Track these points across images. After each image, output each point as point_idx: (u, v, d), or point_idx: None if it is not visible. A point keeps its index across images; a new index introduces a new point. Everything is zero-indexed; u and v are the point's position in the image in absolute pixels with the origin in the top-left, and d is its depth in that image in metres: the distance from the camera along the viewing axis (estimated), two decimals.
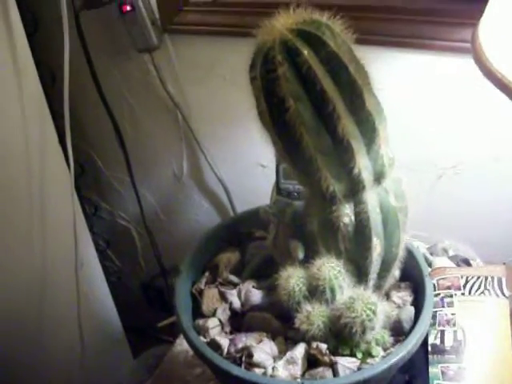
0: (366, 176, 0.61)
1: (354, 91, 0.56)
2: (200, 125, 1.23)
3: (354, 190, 0.62)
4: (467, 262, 0.96)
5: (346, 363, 0.63)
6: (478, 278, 0.88)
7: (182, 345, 0.92)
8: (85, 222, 1.37)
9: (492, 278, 0.87)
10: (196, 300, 0.77)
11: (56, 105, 1.19)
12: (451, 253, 0.99)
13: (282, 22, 0.55)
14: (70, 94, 1.11)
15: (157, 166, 1.38)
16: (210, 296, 0.76)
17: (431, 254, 0.98)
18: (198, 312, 0.76)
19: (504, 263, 0.91)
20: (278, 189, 0.90)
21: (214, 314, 0.74)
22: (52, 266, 1.25)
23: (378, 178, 0.63)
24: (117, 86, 1.26)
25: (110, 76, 1.24)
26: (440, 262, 0.95)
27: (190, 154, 1.31)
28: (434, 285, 0.88)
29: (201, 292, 0.77)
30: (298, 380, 0.63)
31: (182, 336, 0.93)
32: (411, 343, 0.64)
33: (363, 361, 0.64)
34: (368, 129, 0.59)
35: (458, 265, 0.95)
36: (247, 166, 1.25)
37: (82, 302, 1.24)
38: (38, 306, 1.25)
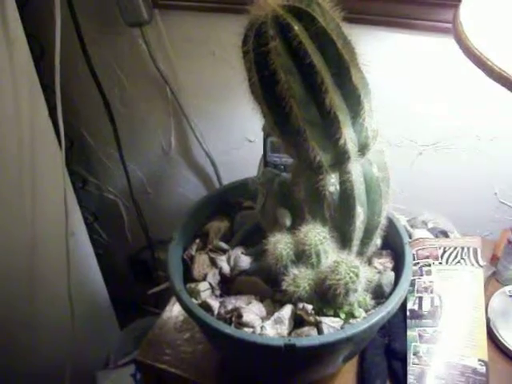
0: (351, 147, 0.64)
1: (342, 65, 0.59)
2: (189, 100, 1.24)
3: (340, 160, 0.65)
4: (445, 234, 1.00)
5: (330, 323, 0.66)
6: (455, 248, 0.92)
7: (171, 311, 0.96)
8: (74, 196, 1.38)
9: (468, 248, 0.92)
10: (187, 266, 0.80)
11: (45, 78, 1.20)
12: (430, 225, 1.03)
13: None
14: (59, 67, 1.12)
15: (145, 140, 1.39)
16: (201, 262, 0.78)
17: (411, 226, 1.01)
18: (188, 277, 0.78)
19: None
20: (265, 162, 0.92)
21: (204, 279, 0.76)
22: (43, 238, 1.26)
23: (363, 149, 0.66)
24: (107, 61, 1.26)
25: (100, 50, 1.24)
26: (419, 233, 0.98)
27: (179, 128, 1.32)
28: (414, 255, 0.92)
29: (192, 258, 0.79)
30: (285, 338, 0.66)
31: (171, 303, 0.97)
32: (391, 304, 0.67)
33: (346, 321, 0.67)
34: (354, 102, 0.62)
35: (437, 236, 0.99)
36: (235, 140, 1.27)
37: (71, 273, 1.26)
38: (29, 279, 1.27)
